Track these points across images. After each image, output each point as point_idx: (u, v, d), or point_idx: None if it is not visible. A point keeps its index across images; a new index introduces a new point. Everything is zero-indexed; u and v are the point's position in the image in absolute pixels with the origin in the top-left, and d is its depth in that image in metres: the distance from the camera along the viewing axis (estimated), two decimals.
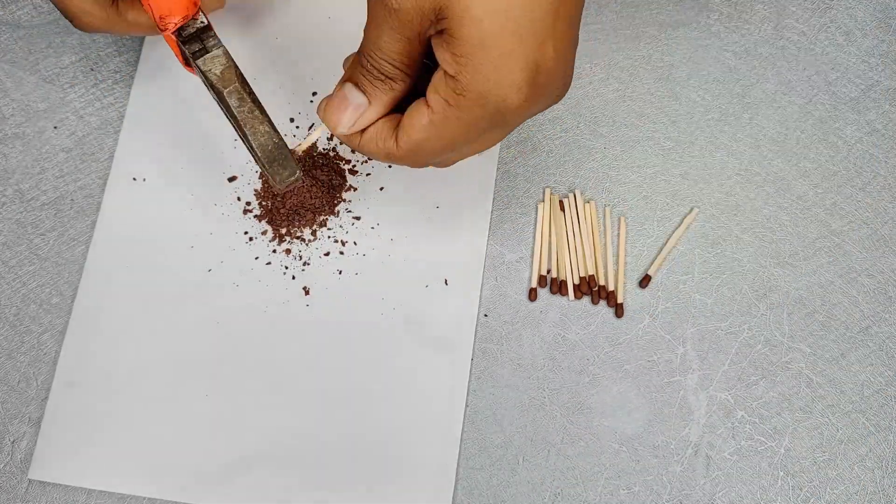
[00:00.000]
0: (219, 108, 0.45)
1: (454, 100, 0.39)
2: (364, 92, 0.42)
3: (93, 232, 0.52)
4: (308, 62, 0.55)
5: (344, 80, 0.43)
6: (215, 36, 0.44)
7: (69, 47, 0.55)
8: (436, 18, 0.38)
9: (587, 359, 0.50)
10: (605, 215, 0.52)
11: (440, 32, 0.38)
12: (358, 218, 0.52)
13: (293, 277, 0.51)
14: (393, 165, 0.53)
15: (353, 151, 0.52)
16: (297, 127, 0.54)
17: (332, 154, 0.53)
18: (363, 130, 0.43)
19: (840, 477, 0.48)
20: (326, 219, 0.52)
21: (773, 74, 0.54)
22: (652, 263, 0.51)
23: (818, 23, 0.55)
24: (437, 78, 0.39)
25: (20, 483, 0.48)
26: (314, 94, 0.54)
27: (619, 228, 0.52)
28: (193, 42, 0.44)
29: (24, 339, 0.51)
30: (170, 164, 0.53)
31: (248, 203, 0.52)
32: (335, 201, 0.52)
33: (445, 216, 0.52)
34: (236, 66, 0.43)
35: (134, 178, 0.53)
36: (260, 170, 0.44)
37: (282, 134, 0.53)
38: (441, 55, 0.39)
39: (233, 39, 0.55)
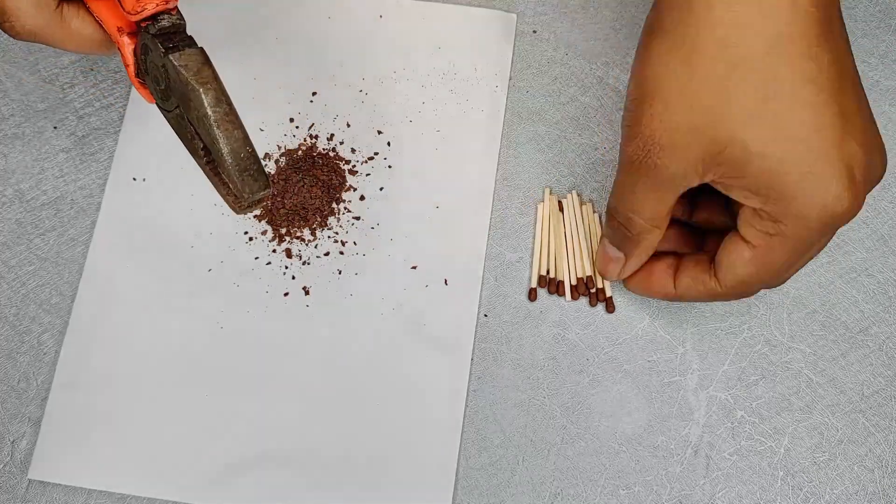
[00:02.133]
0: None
1: (774, 229, 0.38)
2: (620, 249, 0.43)
3: (93, 232, 0.52)
4: (308, 62, 0.55)
5: (603, 236, 0.44)
6: (189, 36, 0.40)
7: None
8: (704, 171, 0.37)
9: (587, 359, 0.50)
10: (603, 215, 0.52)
11: (719, 178, 0.37)
12: (358, 218, 0.52)
13: (293, 277, 0.51)
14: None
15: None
16: (297, 127, 0.54)
17: (332, 154, 0.53)
18: (677, 281, 0.44)
19: (840, 477, 0.48)
20: (326, 219, 0.52)
21: None
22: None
23: None
24: (747, 213, 0.38)
25: (20, 483, 0.48)
26: (314, 94, 0.54)
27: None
28: (165, 39, 0.39)
29: (24, 339, 0.51)
30: (170, 164, 0.53)
31: None
32: (335, 201, 0.52)
33: (445, 216, 0.52)
34: (213, 67, 0.39)
35: (134, 178, 0.53)
36: (221, 192, 0.40)
37: (276, 135, 0.53)
38: (737, 194, 0.38)
39: (232, 39, 0.55)
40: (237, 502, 0.48)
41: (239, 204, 0.39)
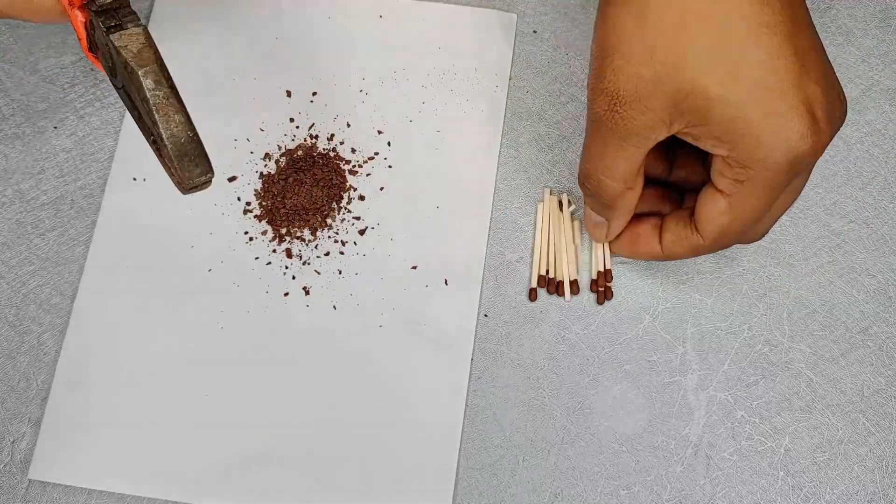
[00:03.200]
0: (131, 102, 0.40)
1: (743, 174, 0.38)
2: (600, 215, 0.44)
3: (93, 232, 0.52)
4: (308, 62, 0.55)
5: (585, 204, 0.45)
6: (134, 13, 0.39)
7: (69, 47, 0.55)
8: (670, 120, 0.37)
9: (587, 359, 0.50)
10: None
11: (685, 127, 0.38)
12: (358, 218, 0.52)
13: (293, 277, 0.51)
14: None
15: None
16: (298, 127, 0.54)
17: (332, 154, 0.53)
18: (661, 240, 0.44)
19: (840, 477, 0.48)
20: (326, 219, 0.52)
21: None
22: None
23: (818, 23, 0.55)
24: (717, 162, 0.39)
25: (20, 483, 0.48)
26: (314, 94, 0.54)
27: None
28: (108, 17, 0.38)
29: (24, 339, 0.51)
30: None
31: (248, 203, 0.52)
32: (335, 201, 0.52)
33: (445, 216, 0.52)
34: (156, 47, 0.38)
35: (134, 178, 0.53)
36: (167, 171, 0.39)
37: (276, 134, 0.53)
38: (703, 143, 0.38)
39: (232, 39, 0.55)
40: (237, 502, 0.48)
41: (182, 184, 0.39)
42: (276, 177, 0.52)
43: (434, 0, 0.56)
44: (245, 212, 0.52)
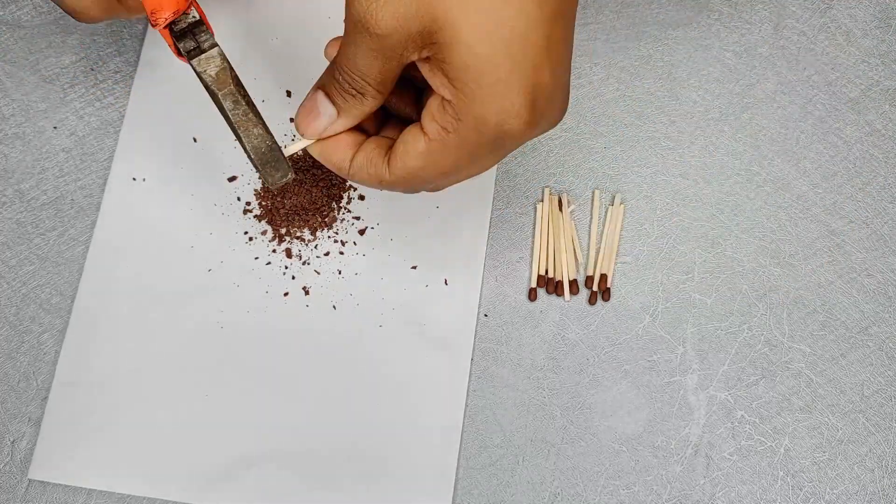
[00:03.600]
0: (214, 105, 0.45)
1: (452, 126, 0.38)
2: (334, 103, 0.42)
3: (93, 232, 0.52)
4: (308, 62, 0.55)
5: (316, 87, 0.42)
6: (208, 31, 0.43)
7: (69, 47, 0.55)
8: (422, 44, 0.38)
9: (587, 359, 0.50)
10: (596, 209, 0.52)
11: (428, 58, 0.38)
12: (358, 218, 0.52)
13: (293, 277, 0.51)
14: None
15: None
16: None
17: None
18: (353, 157, 0.43)
19: (840, 477, 0.48)
20: (326, 219, 0.52)
21: (772, 74, 0.54)
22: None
23: (818, 23, 0.55)
24: (434, 105, 0.39)
25: (20, 483, 0.48)
26: None
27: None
28: (187, 38, 0.43)
29: (24, 339, 0.51)
30: (170, 164, 0.53)
31: (248, 203, 0.52)
32: (335, 201, 0.52)
33: (445, 216, 0.52)
34: (231, 68, 0.43)
35: (134, 178, 0.53)
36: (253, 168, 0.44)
37: (276, 135, 0.53)
38: (434, 80, 0.38)
39: (232, 39, 0.55)
40: (237, 502, 0.48)
41: (266, 186, 0.43)
42: None
43: None
44: (245, 212, 0.52)
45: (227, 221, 0.52)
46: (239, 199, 0.52)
